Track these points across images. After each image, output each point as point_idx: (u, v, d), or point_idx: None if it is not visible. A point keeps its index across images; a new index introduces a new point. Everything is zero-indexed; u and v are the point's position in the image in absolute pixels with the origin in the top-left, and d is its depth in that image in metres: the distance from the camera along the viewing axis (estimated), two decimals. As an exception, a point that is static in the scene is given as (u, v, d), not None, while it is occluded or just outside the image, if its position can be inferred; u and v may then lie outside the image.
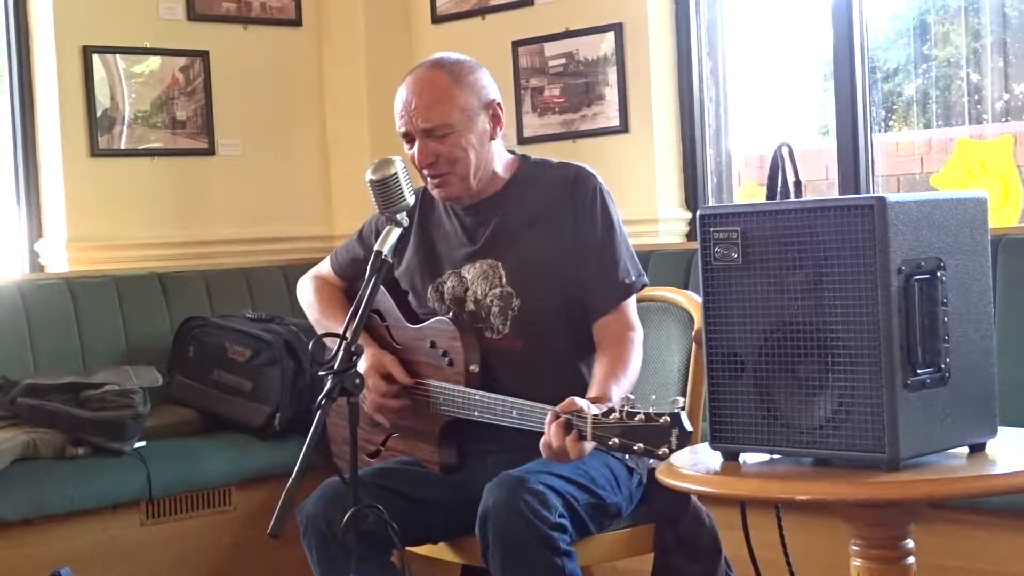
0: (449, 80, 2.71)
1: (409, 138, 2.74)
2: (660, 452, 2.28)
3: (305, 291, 3.07)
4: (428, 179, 2.74)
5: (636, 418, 2.31)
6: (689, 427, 2.29)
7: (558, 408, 2.42)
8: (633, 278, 2.75)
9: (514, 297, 2.74)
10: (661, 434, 2.28)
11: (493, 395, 2.63)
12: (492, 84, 2.78)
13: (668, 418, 2.28)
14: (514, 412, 2.57)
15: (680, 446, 2.27)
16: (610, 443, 2.34)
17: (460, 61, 2.76)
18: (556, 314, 2.74)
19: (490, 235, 2.78)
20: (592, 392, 2.56)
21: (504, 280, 2.75)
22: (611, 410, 2.35)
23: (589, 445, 2.38)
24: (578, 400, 2.42)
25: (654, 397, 2.41)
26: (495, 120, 2.76)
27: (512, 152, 2.87)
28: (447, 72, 2.72)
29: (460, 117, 2.69)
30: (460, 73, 2.73)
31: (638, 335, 2.73)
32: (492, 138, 2.76)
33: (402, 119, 2.73)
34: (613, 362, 2.64)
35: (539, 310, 2.73)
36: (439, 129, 2.68)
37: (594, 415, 2.36)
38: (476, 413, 2.65)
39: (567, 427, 2.40)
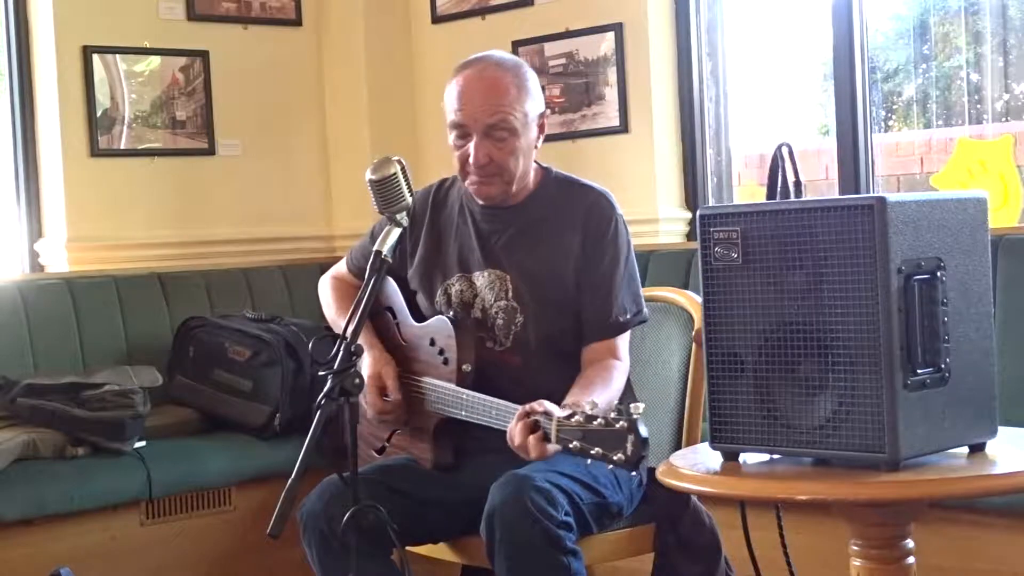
0: (517, 85, 2.69)
1: (463, 131, 2.70)
2: (616, 458, 2.23)
3: (324, 291, 3.07)
4: (472, 176, 2.72)
5: (595, 422, 2.28)
6: (645, 433, 2.23)
7: (526, 407, 2.42)
8: (629, 316, 2.74)
9: (518, 313, 2.74)
10: (618, 440, 2.24)
11: (478, 395, 2.63)
12: (541, 93, 2.79)
13: (625, 423, 2.24)
14: (493, 412, 2.57)
15: (635, 452, 2.22)
16: (571, 446, 2.32)
17: (520, 64, 2.76)
18: (556, 336, 2.74)
19: (503, 245, 2.78)
20: (566, 401, 2.53)
21: (510, 294, 2.75)
22: (574, 413, 2.34)
23: (553, 447, 2.37)
24: (547, 403, 2.41)
25: (643, 406, 2.39)
26: (541, 130, 2.77)
27: (536, 162, 2.85)
28: (513, 75, 2.70)
29: (521, 123, 2.68)
30: (524, 79, 2.72)
31: (622, 365, 2.72)
32: (535, 147, 2.76)
33: (464, 111, 2.68)
34: (591, 380, 2.64)
35: (540, 330, 2.73)
36: (501, 128, 2.66)
37: (558, 417, 2.35)
38: (463, 412, 2.65)
39: (534, 427, 2.40)
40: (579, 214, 2.75)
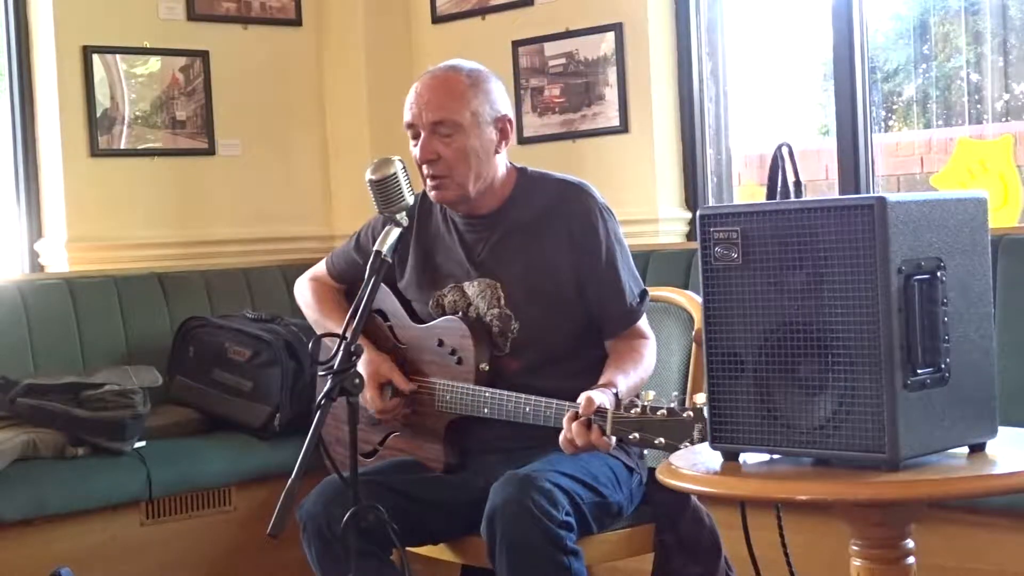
0: (466, 83, 2.71)
1: (415, 131, 2.72)
2: (682, 446, 2.32)
3: (303, 293, 3.07)
4: (427, 178, 2.74)
5: (658, 412, 2.34)
6: None
7: (579, 409, 2.43)
8: (638, 300, 2.76)
9: (513, 320, 2.74)
10: (684, 429, 2.31)
11: (505, 392, 2.64)
12: (505, 99, 2.78)
13: (691, 412, 2.32)
14: (527, 408, 2.58)
15: (704, 440, 2.29)
16: (631, 437, 2.36)
17: (478, 69, 2.77)
18: (555, 337, 2.74)
19: (489, 253, 2.78)
20: (600, 381, 2.58)
21: (503, 301, 2.75)
22: (632, 404, 2.37)
23: (613, 438, 2.41)
24: (595, 398, 2.43)
25: (676, 394, 2.44)
26: (503, 135, 2.76)
27: (510, 164, 2.86)
28: (465, 76, 2.72)
29: (470, 120, 2.68)
30: (477, 79, 2.73)
31: (650, 342, 2.76)
32: (497, 152, 2.76)
33: (412, 110, 2.71)
34: (623, 358, 2.67)
35: (537, 334, 2.74)
36: (446, 125, 2.67)
37: (614, 411, 2.38)
38: (485, 410, 2.66)
39: (588, 425, 2.42)
40: (562, 212, 2.75)
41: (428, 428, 2.78)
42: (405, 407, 2.79)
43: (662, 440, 2.33)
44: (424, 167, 2.72)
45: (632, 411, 2.37)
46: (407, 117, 2.73)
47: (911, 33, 4.53)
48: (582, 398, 2.44)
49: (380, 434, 2.89)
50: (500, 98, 2.76)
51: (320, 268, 3.08)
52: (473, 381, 2.69)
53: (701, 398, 2.33)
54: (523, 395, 2.60)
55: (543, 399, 2.57)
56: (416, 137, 2.72)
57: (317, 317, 3.00)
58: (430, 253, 2.85)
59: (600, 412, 2.41)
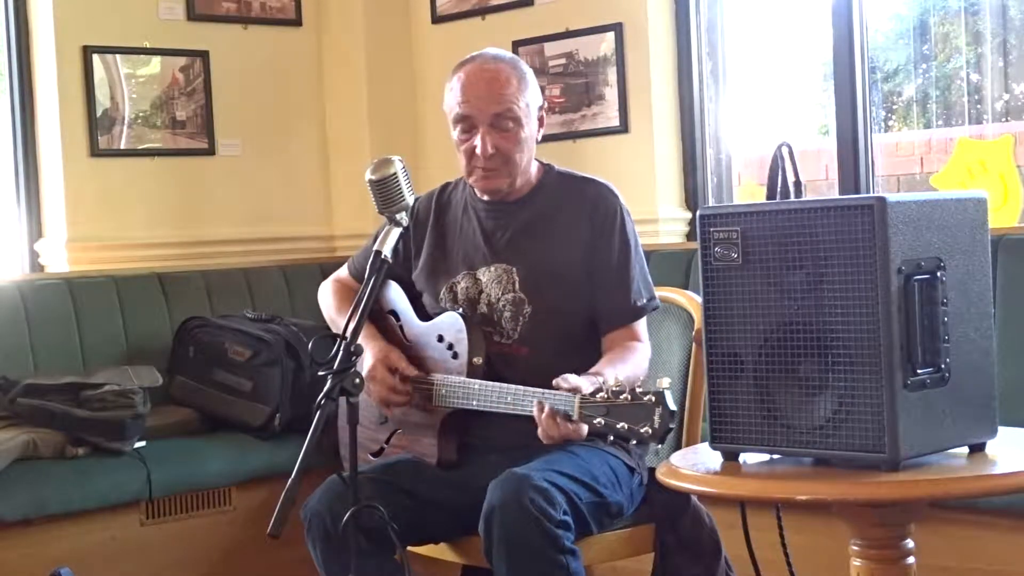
0: (517, 76, 2.75)
1: (469, 123, 2.73)
2: (642, 431, 2.29)
3: (325, 294, 3.08)
4: (478, 170, 2.75)
5: (621, 396, 2.33)
6: (673, 405, 2.30)
7: (553, 385, 2.43)
8: (645, 300, 2.77)
9: (526, 304, 2.75)
10: (645, 412, 2.29)
11: (489, 383, 2.65)
12: (539, 87, 2.84)
13: (652, 397, 2.29)
14: (508, 398, 2.59)
15: (663, 425, 2.29)
16: (596, 422, 2.35)
17: (517, 59, 2.84)
18: (565, 325, 2.75)
19: (508, 239, 2.80)
20: (589, 371, 2.57)
21: (517, 286, 2.76)
22: (598, 390, 2.36)
23: (575, 426, 2.39)
24: (571, 377, 2.43)
25: (642, 378, 2.42)
26: (541, 123, 2.82)
27: (537, 160, 2.88)
28: (512, 67, 2.76)
29: (524, 113, 2.74)
30: (523, 70, 2.78)
31: (644, 346, 2.76)
32: (537, 141, 2.81)
33: (467, 104, 2.72)
34: (613, 356, 2.68)
35: (549, 319, 2.74)
36: (508, 117, 2.70)
37: (582, 395, 2.37)
38: (475, 402, 2.66)
39: (555, 414, 2.41)
40: (585, 206, 2.78)
41: (425, 423, 2.78)
42: (410, 395, 2.79)
43: (624, 425, 2.31)
44: (481, 159, 2.72)
45: (598, 396, 2.36)
46: (461, 110, 2.73)
47: (911, 33, 4.53)
48: (559, 378, 2.44)
49: (385, 432, 2.90)
50: (537, 88, 2.83)
51: (343, 270, 3.10)
52: (466, 374, 2.70)
53: (666, 381, 2.33)
54: (507, 385, 2.60)
55: (522, 388, 2.56)
56: (469, 130, 2.73)
57: (333, 316, 3.01)
58: (446, 242, 2.88)
59: (567, 398, 2.40)
